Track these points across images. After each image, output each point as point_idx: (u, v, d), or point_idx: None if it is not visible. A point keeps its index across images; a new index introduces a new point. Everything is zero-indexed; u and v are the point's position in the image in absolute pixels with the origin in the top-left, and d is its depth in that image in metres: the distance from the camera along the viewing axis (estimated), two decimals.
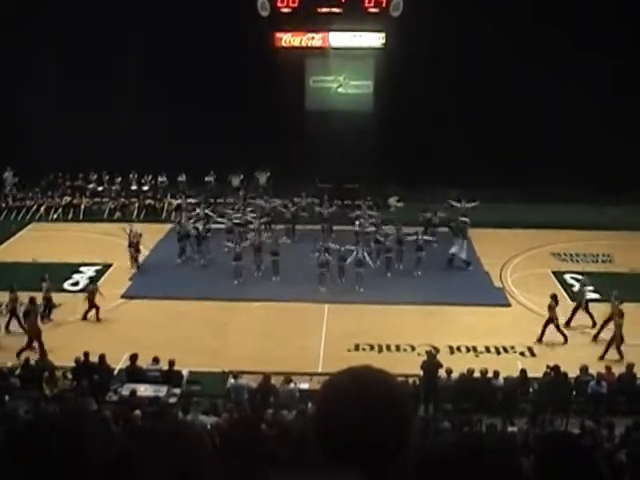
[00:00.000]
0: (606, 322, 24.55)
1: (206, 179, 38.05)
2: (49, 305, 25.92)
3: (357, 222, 32.49)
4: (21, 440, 3.18)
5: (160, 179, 38.42)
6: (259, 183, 38.32)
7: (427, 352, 21.74)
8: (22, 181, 38.34)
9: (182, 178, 38.10)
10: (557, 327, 24.46)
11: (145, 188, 38.28)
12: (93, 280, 27.32)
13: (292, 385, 20.37)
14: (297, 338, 24.28)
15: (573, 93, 34.90)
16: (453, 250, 30.58)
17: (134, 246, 30.56)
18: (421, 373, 20.78)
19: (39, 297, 25.15)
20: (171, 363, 21.37)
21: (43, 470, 3.04)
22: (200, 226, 31.82)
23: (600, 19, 33.84)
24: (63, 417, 3.40)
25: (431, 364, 20.96)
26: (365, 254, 28.84)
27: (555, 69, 35.07)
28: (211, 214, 33.56)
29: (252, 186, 38.16)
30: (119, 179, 38.25)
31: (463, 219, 32.58)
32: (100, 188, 38.29)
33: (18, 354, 22.81)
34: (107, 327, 25.12)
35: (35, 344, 23.26)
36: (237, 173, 38.05)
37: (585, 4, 33.98)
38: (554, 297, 24.63)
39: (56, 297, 26.92)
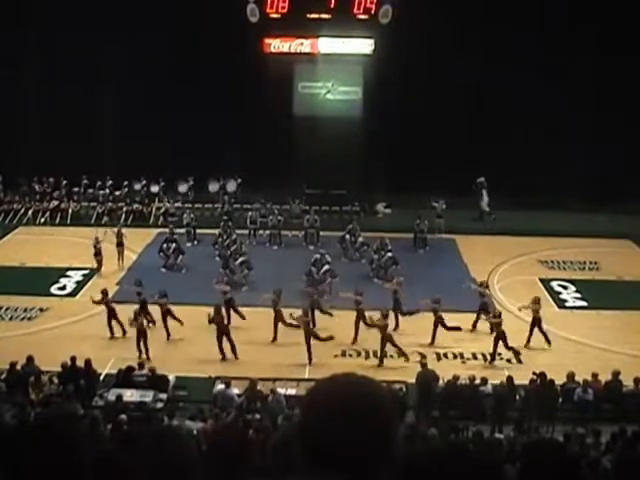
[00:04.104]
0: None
1: (180, 187, 38.11)
2: None
3: (347, 229, 32.67)
4: (10, 442, 3.18)
5: (136, 186, 38.17)
6: (228, 191, 38.23)
7: (422, 364, 21.55)
8: (6, 184, 38.15)
9: (155, 188, 37.94)
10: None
11: (128, 189, 38.05)
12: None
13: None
14: (284, 344, 24.25)
15: (561, 103, 35.03)
16: None
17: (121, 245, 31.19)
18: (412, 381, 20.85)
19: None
20: (151, 370, 21.40)
21: (33, 471, 3.04)
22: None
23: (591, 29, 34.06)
24: (53, 419, 3.40)
25: (426, 375, 20.94)
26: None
27: (544, 79, 35.14)
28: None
29: (221, 194, 38.19)
30: (102, 183, 38.00)
31: (438, 220, 34.74)
32: (86, 190, 38.08)
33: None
34: (94, 331, 25.02)
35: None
36: (218, 179, 38.14)
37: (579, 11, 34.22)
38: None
39: (43, 301, 27.00)
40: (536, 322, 24.44)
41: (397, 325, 25.52)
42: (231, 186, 38.20)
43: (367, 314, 24.38)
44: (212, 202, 37.71)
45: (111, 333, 24.81)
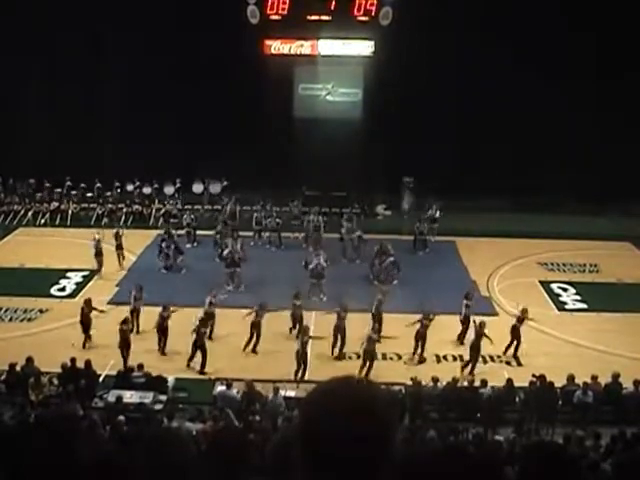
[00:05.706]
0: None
1: (166, 189, 38.13)
2: None
3: (343, 229, 32.70)
4: (10, 442, 3.18)
5: (129, 187, 38.13)
6: (212, 193, 38.27)
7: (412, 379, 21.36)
8: (6, 185, 38.11)
9: (148, 190, 37.99)
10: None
11: (120, 190, 38.15)
12: None
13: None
14: (284, 346, 24.23)
15: (561, 105, 35.01)
16: None
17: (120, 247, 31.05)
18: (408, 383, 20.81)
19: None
20: (140, 366, 21.45)
21: (33, 471, 3.04)
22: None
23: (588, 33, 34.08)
24: (52, 420, 3.41)
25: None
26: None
27: (543, 81, 35.10)
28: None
29: (207, 196, 38.31)
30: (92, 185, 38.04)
31: (432, 225, 34.33)
32: (86, 194, 38.04)
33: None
34: (94, 333, 24.96)
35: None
36: (202, 181, 38.27)
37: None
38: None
39: (43, 303, 27.12)
40: (516, 332, 24.40)
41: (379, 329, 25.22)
42: (215, 188, 38.25)
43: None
44: (212, 203, 37.73)
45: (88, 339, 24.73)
